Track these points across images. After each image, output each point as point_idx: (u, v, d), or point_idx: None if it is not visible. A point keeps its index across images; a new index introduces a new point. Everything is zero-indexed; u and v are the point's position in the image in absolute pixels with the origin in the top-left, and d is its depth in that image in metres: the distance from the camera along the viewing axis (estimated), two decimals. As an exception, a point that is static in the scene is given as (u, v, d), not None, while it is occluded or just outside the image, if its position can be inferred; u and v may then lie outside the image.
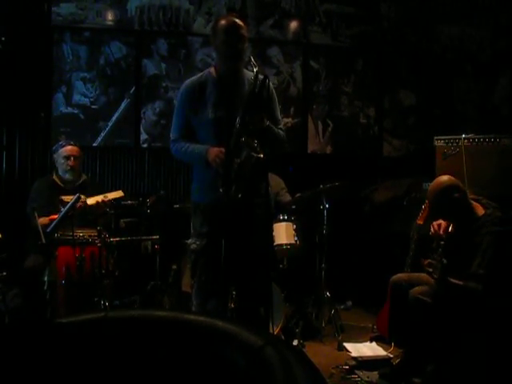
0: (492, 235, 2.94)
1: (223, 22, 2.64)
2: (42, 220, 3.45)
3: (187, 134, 2.77)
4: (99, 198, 3.57)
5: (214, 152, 2.57)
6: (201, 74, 2.86)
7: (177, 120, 2.82)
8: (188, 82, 2.82)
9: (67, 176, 3.80)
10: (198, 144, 2.72)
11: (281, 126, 2.82)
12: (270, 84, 2.79)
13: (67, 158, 3.79)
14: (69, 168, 3.79)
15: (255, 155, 2.45)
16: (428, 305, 2.98)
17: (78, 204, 3.44)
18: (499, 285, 2.91)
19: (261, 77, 2.55)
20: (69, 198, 3.50)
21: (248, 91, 2.53)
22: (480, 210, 3.06)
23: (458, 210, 3.06)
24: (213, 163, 2.57)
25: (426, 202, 3.84)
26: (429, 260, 3.05)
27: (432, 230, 3.23)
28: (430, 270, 3.01)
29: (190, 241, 2.85)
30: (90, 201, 3.54)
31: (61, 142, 3.99)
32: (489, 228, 2.97)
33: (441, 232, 3.17)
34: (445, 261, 2.86)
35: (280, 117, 2.88)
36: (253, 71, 2.47)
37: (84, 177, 3.96)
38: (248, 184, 2.54)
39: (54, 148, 3.90)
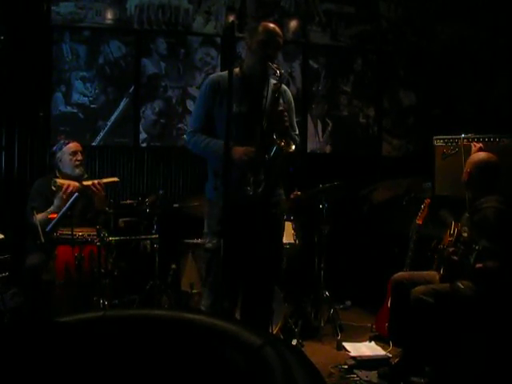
0: (495, 209, 3.06)
1: (266, 24, 2.74)
2: (41, 216, 3.45)
3: (206, 127, 2.78)
4: (95, 180, 3.61)
5: (240, 150, 2.60)
6: (225, 71, 2.91)
7: (198, 111, 2.84)
8: (213, 75, 2.88)
9: (77, 171, 3.79)
10: (215, 139, 2.73)
11: (297, 133, 2.90)
12: (290, 93, 2.93)
13: (74, 153, 3.80)
14: (78, 163, 3.79)
15: (285, 149, 2.53)
16: (430, 305, 2.98)
17: (73, 186, 3.46)
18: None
19: (273, 81, 2.72)
20: (64, 182, 3.51)
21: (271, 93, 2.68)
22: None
23: (486, 187, 3.21)
24: (239, 162, 2.58)
25: (425, 201, 3.87)
26: (453, 248, 3.02)
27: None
28: (455, 257, 2.98)
29: (203, 240, 2.85)
30: (86, 182, 3.57)
31: (62, 140, 3.99)
32: (491, 203, 3.08)
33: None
34: (478, 247, 2.80)
35: (295, 125, 2.94)
36: (275, 74, 2.63)
37: (86, 175, 3.96)
38: (275, 182, 2.64)
39: (55, 148, 3.89)
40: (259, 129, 2.62)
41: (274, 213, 2.80)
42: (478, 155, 3.40)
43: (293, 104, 2.93)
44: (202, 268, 3.01)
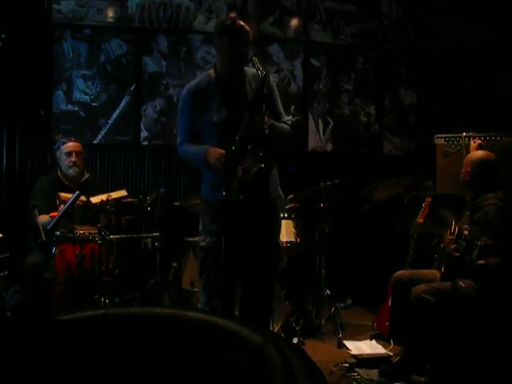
0: (495, 207, 3.05)
1: (228, 23, 2.63)
2: (42, 217, 3.45)
3: (192, 137, 2.77)
4: (103, 196, 3.56)
5: (214, 155, 2.58)
6: (200, 76, 2.89)
7: (181, 124, 2.83)
8: (189, 85, 2.82)
9: (71, 172, 3.79)
10: (200, 145, 2.72)
11: (284, 120, 2.82)
12: (271, 79, 2.80)
13: (69, 154, 3.79)
14: (72, 164, 3.78)
15: (259, 165, 2.47)
16: (431, 303, 2.98)
17: (79, 200, 3.43)
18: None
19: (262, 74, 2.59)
20: (67, 196, 3.50)
21: (252, 92, 2.57)
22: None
23: (486, 183, 3.21)
24: (213, 166, 2.58)
25: (427, 200, 3.87)
26: (455, 245, 3.00)
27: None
28: (457, 254, 2.97)
29: (198, 238, 2.85)
30: (94, 199, 3.53)
31: (62, 139, 3.98)
32: (491, 201, 3.07)
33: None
34: (480, 242, 2.80)
35: (282, 110, 2.87)
36: (257, 71, 2.51)
37: (87, 174, 3.95)
38: (251, 189, 2.54)
39: (55, 146, 3.90)
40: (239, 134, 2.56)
41: (267, 211, 2.73)
42: (477, 153, 3.42)
43: (275, 89, 2.84)
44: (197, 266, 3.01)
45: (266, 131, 2.53)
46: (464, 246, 2.87)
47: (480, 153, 3.41)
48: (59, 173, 3.84)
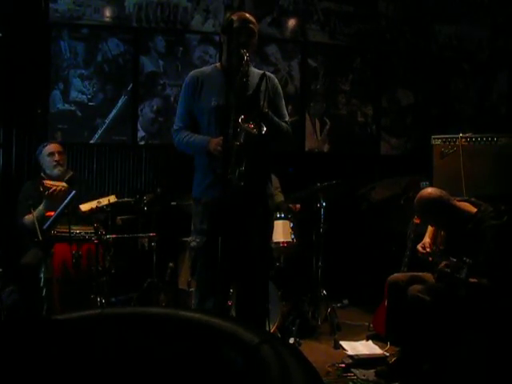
0: (492, 229, 2.98)
1: (234, 15, 2.68)
2: (31, 216, 3.43)
3: (190, 124, 2.78)
4: (93, 204, 3.54)
5: (215, 142, 2.59)
6: (206, 67, 2.92)
7: (180, 109, 2.84)
8: (192, 72, 2.86)
9: (55, 172, 3.80)
10: (199, 134, 2.73)
11: (286, 120, 2.82)
12: (275, 80, 2.85)
13: (52, 154, 3.81)
14: (55, 163, 3.79)
15: (254, 132, 2.43)
16: (427, 303, 2.98)
17: (65, 187, 3.47)
18: (508, 279, 2.93)
19: (259, 71, 2.66)
20: (51, 183, 3.50)
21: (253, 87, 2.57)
22: (471, 209, 3.11)
23: (446, 217, 3.12)
24: (215, 152, 2.58)
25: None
26: (445, 262, 2.99)
27: (420, 252, 3.31)
28: (448, 270, 2.95)
29: (190, 238, 2.84)
30: (84, 207, 3.52)
31: (42, 143, 3.98)
32: (487, 223, 3.01)
33: (428, 250, 3.23)
34: (468, 260, 2.81)
35: (286, 112, 2.87)
36: (242, 60, 2.51)
37: (70, 172, 3.95)
38: (251, 168, 2.49)
39: (37, 152, 3.91)
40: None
41: (259, 211, 2.69)
42: (417, 202, 3.16)
43: (280, 90, 2.85)
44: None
45: (264, 111, 2.53)
46: (454, 263, 2.87)
47: (423, 198, 3.14)
48: (43, 175, 3.85)
